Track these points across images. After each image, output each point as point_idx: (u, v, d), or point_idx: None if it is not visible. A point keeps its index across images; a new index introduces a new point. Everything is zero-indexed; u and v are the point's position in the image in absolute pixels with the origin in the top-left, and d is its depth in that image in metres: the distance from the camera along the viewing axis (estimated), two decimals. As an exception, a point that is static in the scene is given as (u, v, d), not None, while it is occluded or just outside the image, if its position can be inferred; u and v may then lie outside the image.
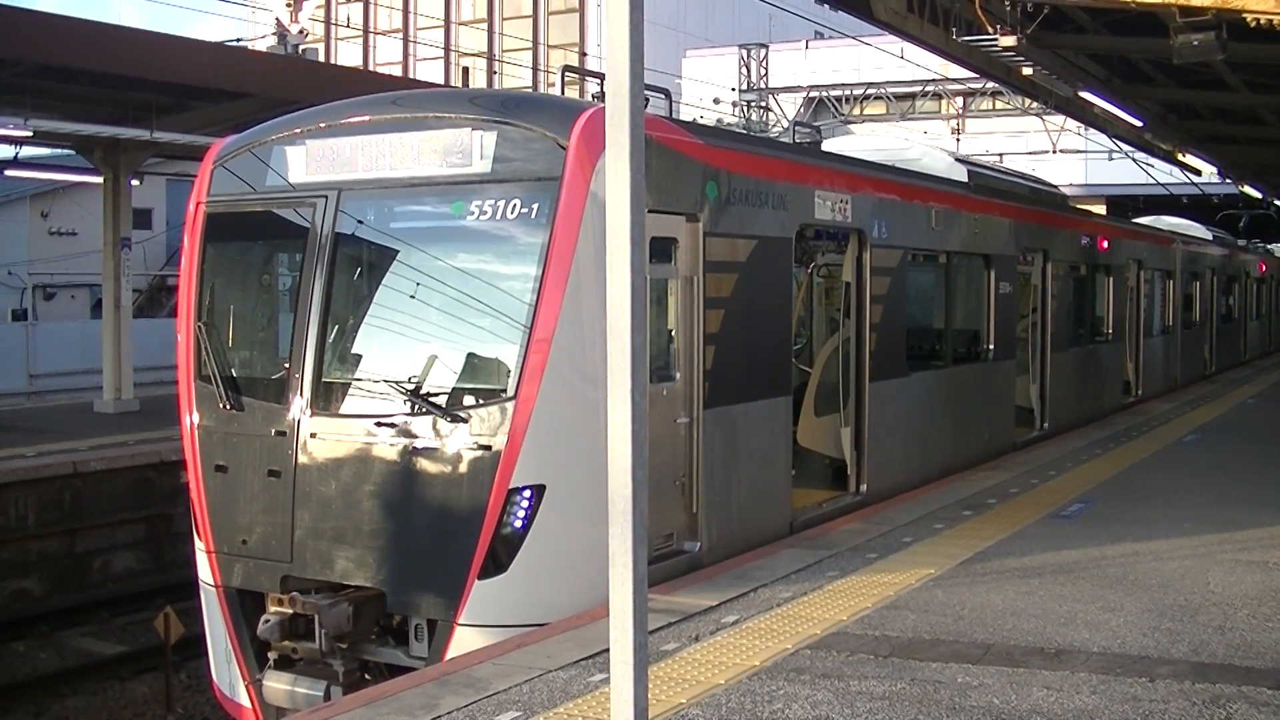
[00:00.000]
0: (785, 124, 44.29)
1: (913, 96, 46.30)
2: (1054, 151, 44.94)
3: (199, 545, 10.88)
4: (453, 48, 54.64)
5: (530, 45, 52.33)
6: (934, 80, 43.48)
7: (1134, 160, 35.65)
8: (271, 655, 10.27)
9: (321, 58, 53.69)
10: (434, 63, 55.19)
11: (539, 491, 9.38)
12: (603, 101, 6.60)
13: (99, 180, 25.83)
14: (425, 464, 9.67)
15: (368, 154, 10.32)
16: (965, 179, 17.61)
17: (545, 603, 9.51)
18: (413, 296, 10.12)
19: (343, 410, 10.18)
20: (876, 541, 11.98)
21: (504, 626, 9.33)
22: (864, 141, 21.57)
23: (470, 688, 7.86)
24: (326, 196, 10.43)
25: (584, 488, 9.25)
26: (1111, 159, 41.47)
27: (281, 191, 10.79)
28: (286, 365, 10.46)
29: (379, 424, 9.86)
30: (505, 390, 9.48)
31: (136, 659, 16.21)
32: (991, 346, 17.81)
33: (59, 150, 29.31)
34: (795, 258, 13.19)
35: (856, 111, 47.89)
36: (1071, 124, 39.25)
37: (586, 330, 9.43)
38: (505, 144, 9.79)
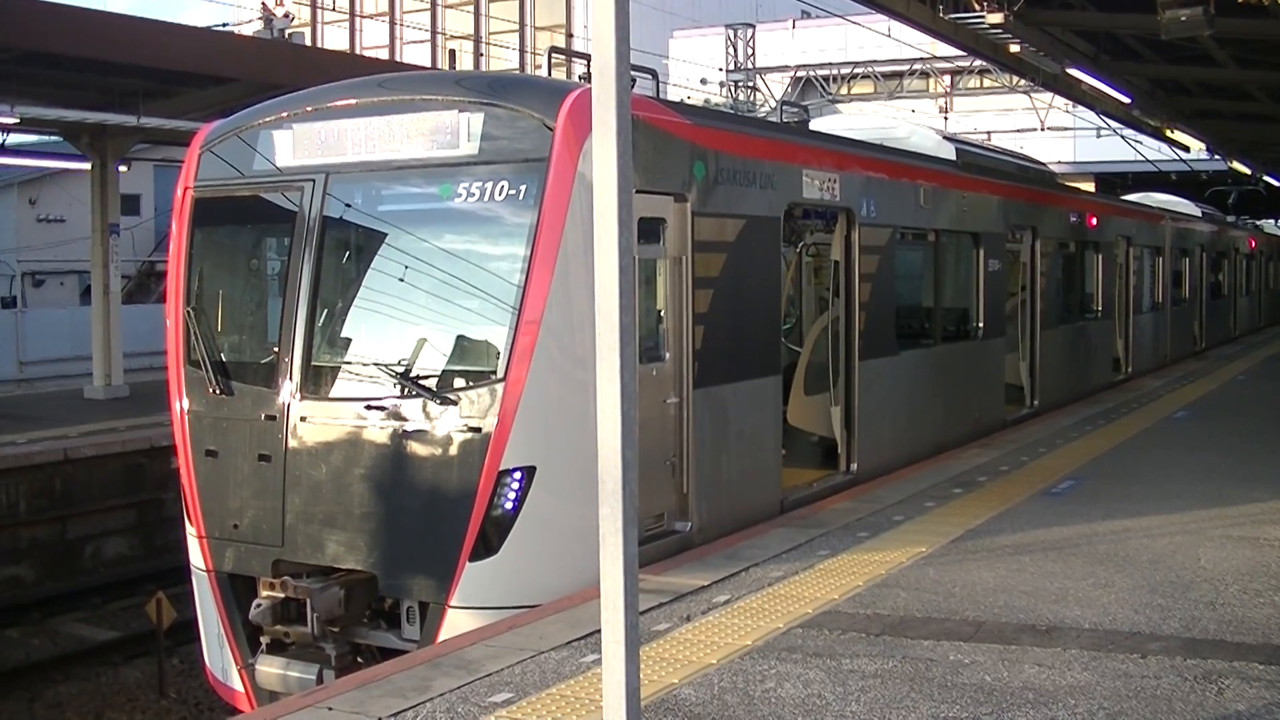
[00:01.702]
0: (772, 104, 44.23)
1: (900, 75, 46.33)
2: (1042, 129, 44.95)
3: (190, 530, 10.88)
4: (439, 30, 54.48)
5: (517, 27, 52.20)
6: (921, 59, 43.47)
7: (1122, 137, 35.62)
8: (264, 639, 10.26)
9: (308, 41, 53.53)
10: (421, 45, 55.02)
11: (529, 473, 9.38)
12: (589, 82, 6.58)
13: (86, 166, 25.76)
14: (415, 447, 9.66)
15: (355, 137, 10.30)
16: (953, 157, 17.59)
17: (536, 584, 9.52)
18: (401, 279, 10.11)
19: (332, 394, 10.18)
20: (867, 520, 11.99)
21: (495, 608, 9.34)
22: (852, 120, 21.54)
23: (462, 669, 7.87)
24: (314, 180, 10.42)
25: (574, 469, 9.26)
26: (1100, 136, 41.42)
27: (269, 176, 10.78)
28: (276, 349, 10.46)
29: (369, 407, 9.86)
30: (495, 372, 9.48)
31: (129, 644, 16.21)
32: (981, 324, 17.81)
33: (46, 137, 29.24)
34: (784, 237, 13.19)
35: (844, 91, 47.92)
36: (1059, 101, 39.29)
37: (575, 311, 9.42)
38: (492, 125, 9.78)
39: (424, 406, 9.64)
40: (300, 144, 10.57)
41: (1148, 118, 29.26)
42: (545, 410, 9.47)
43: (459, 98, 10.04)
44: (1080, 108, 32.61)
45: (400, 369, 9.82)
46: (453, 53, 40.99)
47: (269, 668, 10.20)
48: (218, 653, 10.83)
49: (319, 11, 57.19)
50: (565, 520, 9.54)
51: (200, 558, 10.78)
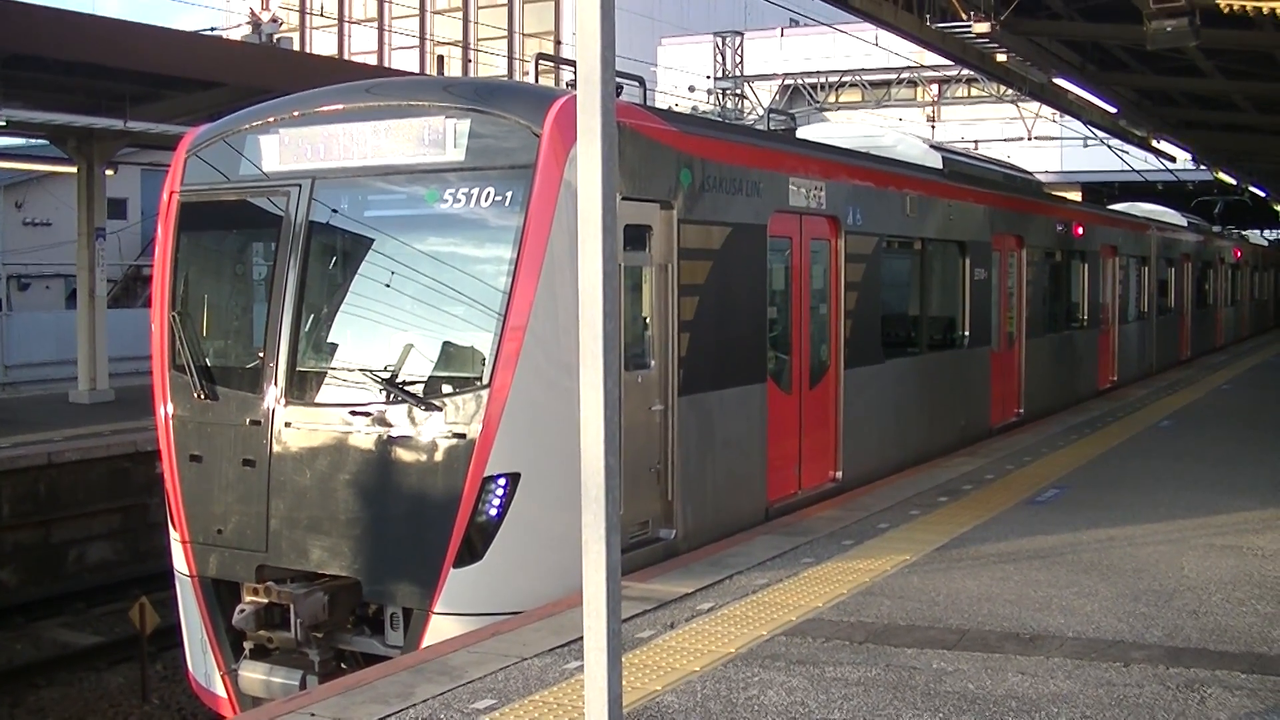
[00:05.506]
0: (760, 111, 44.29)
1: (888, 84, 46.41)
2: (1029, 138, 45.02)
3: (174, 535, 10.86)
4: (428, 36, 54.49)
5: (505, 34, 52.20)
6: (909, 68, 43.55)
7: (1109, 147, 35.75)
8: (247, 645, 10.25)
9: (296, 46, 53.51)
10: (409, 51, 55.03)
11: (514, 479, 9.38)
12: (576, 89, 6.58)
13: (73, 170, 25.70)
14: (400, 453, 9.65)
15: (342, 142, 10.29)
16: (940, 166, 17.63)
17: (521, 590, 9.51)
18: (387, 285, 10.10)
19: (317, 399, 10.16)
20: (852, 528, 12.00)
21: (479, 615, 9.32)
22: (839, 129, 21.58)
23: (445, 676, 7.86)
24: (300, 185, 10.41)
25: (559, 475, 9.24)
26: (1086, 146, 41.62)
27: (255, 180, 10.76)
28: (261, 354, 10.44)
29: (354, 413, 9.85)
30: (480, 378, 9.48)
31: (112, 649, 16.17)
32: (967, 333, 17.84)
33: (33, 140, 29.17)
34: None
35: (831, 99, 47.99)
36: (1047, 111, 39.33)
37: (561, 318, 9.42)
38: (479, 132, 9.78)
39: (409, 412, 9.63)
40: (287, 149, 10.56)
41: (1134, 128, 29.38)
42: (530, 416, 9.47)
43: (446, 103, 10.04)
44: (1067, 117, 32.75)
45: (385, 374, 9.81)
46: (441, 59, 40.95)
47: (252, 673, 10.18)
48: (201, 658, 10.81)
49: (307, 16, 57.17)
50: (549, 527, 9.53)
51: (184, 563, 10.75)
